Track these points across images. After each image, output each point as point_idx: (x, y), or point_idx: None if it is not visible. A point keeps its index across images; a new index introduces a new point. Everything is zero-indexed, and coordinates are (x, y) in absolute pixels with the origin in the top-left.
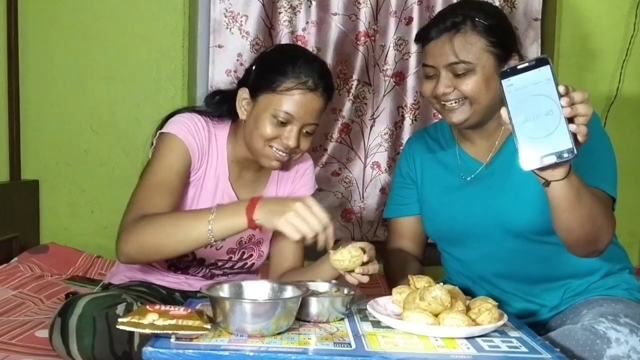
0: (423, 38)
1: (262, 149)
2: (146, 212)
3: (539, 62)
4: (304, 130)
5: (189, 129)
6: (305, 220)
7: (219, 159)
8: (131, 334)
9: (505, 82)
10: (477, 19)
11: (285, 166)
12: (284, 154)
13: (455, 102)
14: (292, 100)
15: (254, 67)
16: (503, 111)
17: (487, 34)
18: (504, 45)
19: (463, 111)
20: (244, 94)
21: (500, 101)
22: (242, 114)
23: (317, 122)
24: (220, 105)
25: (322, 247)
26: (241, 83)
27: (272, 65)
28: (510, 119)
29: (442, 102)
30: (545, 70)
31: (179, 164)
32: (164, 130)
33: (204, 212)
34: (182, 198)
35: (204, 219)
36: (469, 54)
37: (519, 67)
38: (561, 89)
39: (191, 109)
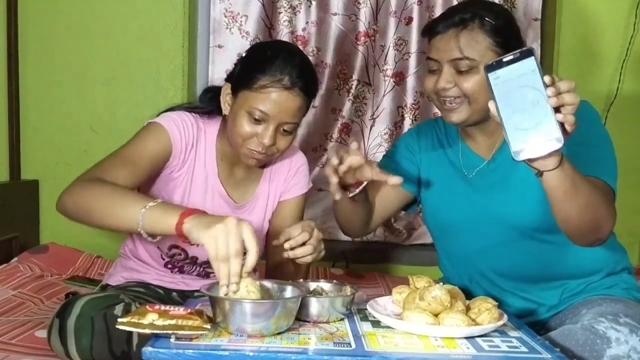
0: (430, 31)
1: (240, 147)
2: (103, 177)
3: (523, 54)
4: (282, 129)
5: (175, 123)
6: (228, 239)
7: (207, 156)
8: (130, 334)
9: (491, 76)
10: (485, 18)
11: (272, 164)
12: (260, 154)
13: (455, 100)
14: (267, 99)
15: (238, 63)
16: (491, 104)
17: (493, 33)
18: (509, 47)
19: (462, 111)
20: (227, 89)
21: None
22: (225, 109)
23: (295, 121)
24: (211, 102)
25: (222, 280)
26: (227, 78)
27: (252, 62)
28: (498, 111)
29: (442, 99)
30: (530, 62)
31: (155, 149)
32: (152, 120)
33: (143, 200)
34: (172, 195)
35: (138, 206)
36: (474, 51)
37: (504, 59)
38: (546, 79)
39: (183, 106)
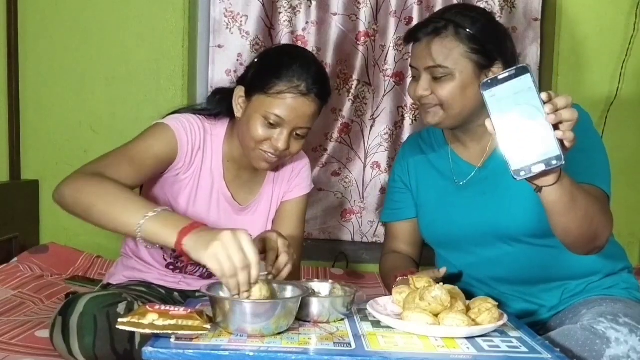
0: (410, 39)
1: (252, 150)
2: (105, 173)
3: (519, 71)
4: (295, 133)
5: (183, 125)
6: (228, 254)
7: (214, 158)
8: (132, 332)
9: (487, 93)
10: (460, 26)
11: (276, 167)
12: (273, 156)
13: (433, 106)
14: (284, 104)
15: (252, 66)
16: (488, 122)
17: (468, 40)
18: (487, 52)
19: (436, 114)
20: (240, 92)
21: (479, 107)
22: (237, 111)
23: (309, 126)
24: (220, 104)
25: (233, 291)
26: (240, 80)
27: (268, 66)
28: (494, 129)
29: (421, 104)
30: (526, 79)
31: (160, 150)
32: (159, 120)
33: (146, 207)
34: (178, 198)
35: (140, 213)
36: (447, 58)
37: (499, 77)
38: (544, 96)
39: (190, 108)
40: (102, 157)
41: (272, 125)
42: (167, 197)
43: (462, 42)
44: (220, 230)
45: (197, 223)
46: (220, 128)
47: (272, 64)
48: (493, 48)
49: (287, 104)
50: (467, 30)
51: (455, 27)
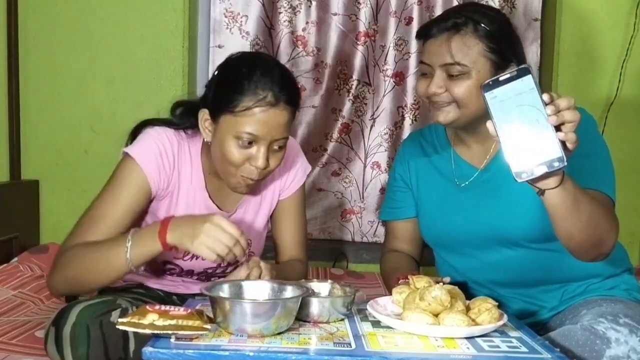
0: (424, 35)
1: (233, 176)
2: (83, 241)
3: (520, 73)
4: (274, 147)
5: (153, 152)
6: (216, 239)
7: (193, 171)
8: (126, 341)
9: (488, 95)
10: (479, 23)
11: (255, 190)
12: (253, 181)
13: (446, 104)
14: (254, 120)
15: (211, 84)
16: (489, 124)
17: (487, 39)
18: (503, 52)
19: (450, 112)
20: (204, 115)
21: None
22: (206, 136)
23: (285, 135)
24: (182, 118)
25: (232, 260)
26: (202, 100)
27: (228, 82)
28: (496, 131)
29: (433, 101)
30: (528, 80)
31: (130, 199)
32: (129, 150)
33: (120, 241)
34: (157, 212)
35: (121, 249)
36: (466, 56)
37: (500, 78)
38: (545, 97)
39: (165, 121)
40: (76, 226)
41: (247, 145)
42: (149, 212)
43: (481, 40)
44: (199, 221)
45: (165, 220)
46: (197, 141)
47: (231, 79)
48: (509, 49)
49: (258, 119)
50: (487, 28)
51: (475, 24)
